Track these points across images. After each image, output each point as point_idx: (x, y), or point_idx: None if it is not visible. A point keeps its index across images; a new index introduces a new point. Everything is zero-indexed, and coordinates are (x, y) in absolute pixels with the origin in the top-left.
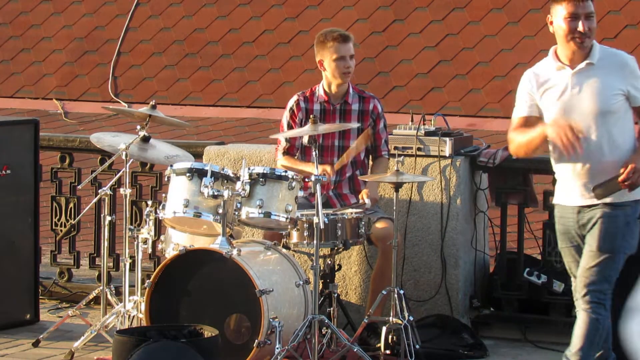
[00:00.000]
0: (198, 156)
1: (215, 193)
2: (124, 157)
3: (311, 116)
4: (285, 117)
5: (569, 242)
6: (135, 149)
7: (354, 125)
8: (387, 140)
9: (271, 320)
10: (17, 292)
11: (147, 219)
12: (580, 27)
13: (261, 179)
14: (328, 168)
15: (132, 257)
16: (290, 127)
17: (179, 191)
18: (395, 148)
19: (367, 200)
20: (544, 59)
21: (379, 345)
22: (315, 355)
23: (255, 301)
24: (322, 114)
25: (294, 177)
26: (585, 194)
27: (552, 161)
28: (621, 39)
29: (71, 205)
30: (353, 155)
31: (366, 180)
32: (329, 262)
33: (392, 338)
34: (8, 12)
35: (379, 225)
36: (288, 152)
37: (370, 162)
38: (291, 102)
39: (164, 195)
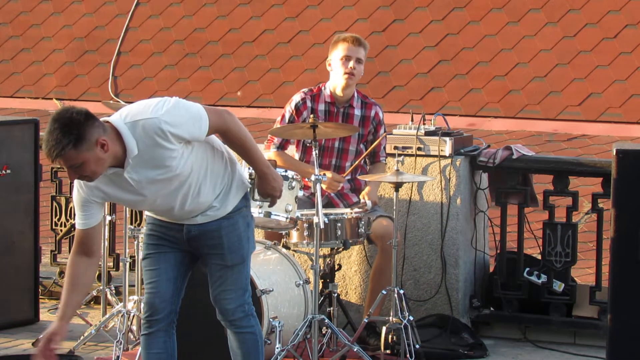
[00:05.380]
0: None
1: None
2: None
3: (311, 116)
4: (288, 111)
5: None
6: None
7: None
8: (385, 147)
9: (271, 320)
10: (17, 292)
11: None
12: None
13: None
14: (335, 176)
15: (132, 256)
16: (292, 122)
17: None
18: (395, 148)
19: (368, 202)
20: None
21: (378, 344)
22: (315, 355)
23: (255, 301)
24: (326, 115)
25: (294, 177)
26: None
27: None
28: (621, 39)
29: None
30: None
31: (367, 179)
32: (329, 262)
33: (392, 338)
34: (8, 12)
35: (378, 223)
36: (282, 147)
37: (368, 166)
38: (297, 98)
39: None
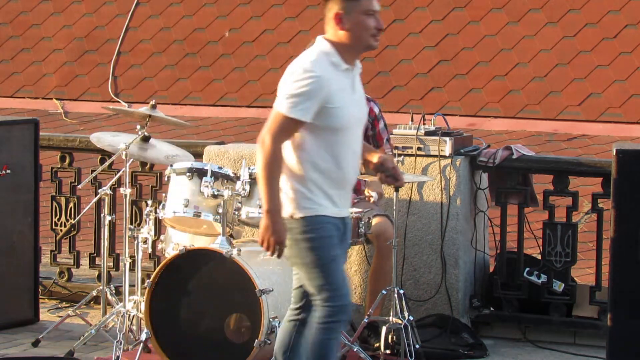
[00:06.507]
0: (198, 156)
1: (215, 193)
2: (124, 156)
3: None
4: None
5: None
6: (135, 149)
7: None
8: (389, 139)
9: (271, 320)
10: (17, 292)
11: (147, 219)
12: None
13: None
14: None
15: (132, 257)
16: None
17: (179, 191)
18: (396, 148)
19: (373, 194)
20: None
21: (378, 344)
22: None
23: (256, 301)
24: None
25: None
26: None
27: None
28: (621, 39)
29: (71, 205)
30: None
31: (366, 179)
32: None
33: (392, 338)
34: (8, 12)
35: (374, 221)
36: None
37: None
38: None
39: (164, 195)
